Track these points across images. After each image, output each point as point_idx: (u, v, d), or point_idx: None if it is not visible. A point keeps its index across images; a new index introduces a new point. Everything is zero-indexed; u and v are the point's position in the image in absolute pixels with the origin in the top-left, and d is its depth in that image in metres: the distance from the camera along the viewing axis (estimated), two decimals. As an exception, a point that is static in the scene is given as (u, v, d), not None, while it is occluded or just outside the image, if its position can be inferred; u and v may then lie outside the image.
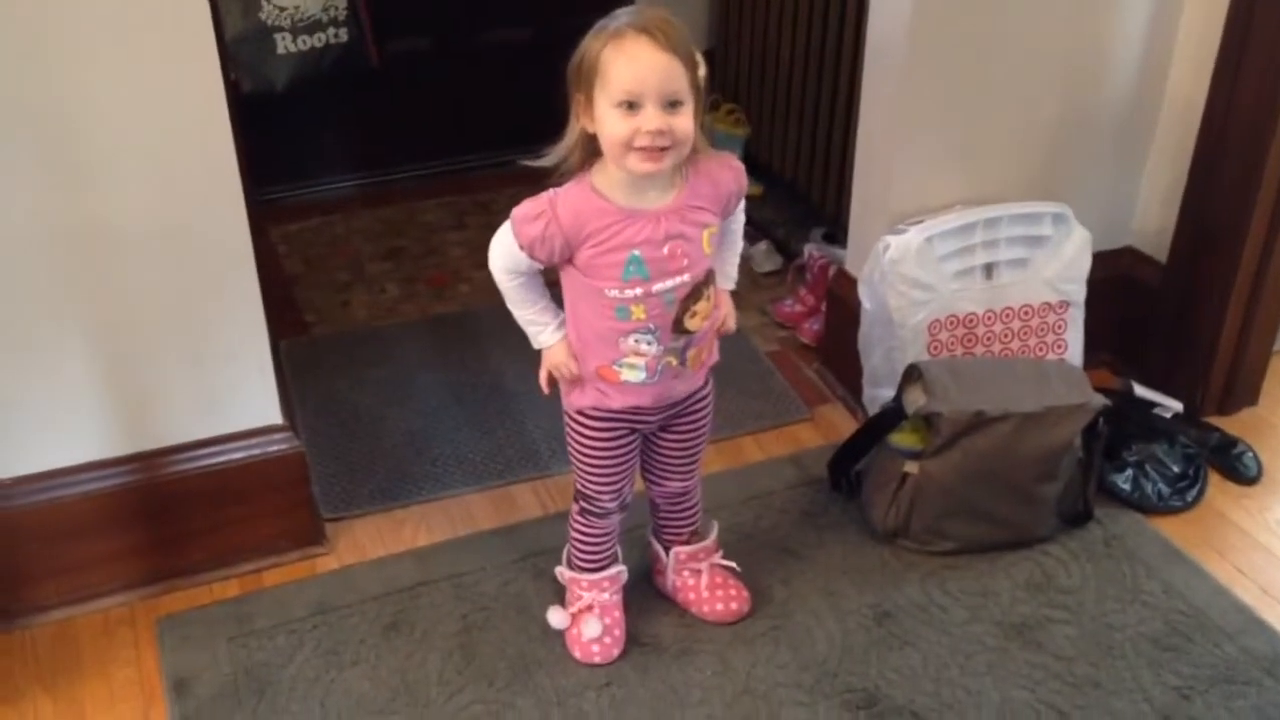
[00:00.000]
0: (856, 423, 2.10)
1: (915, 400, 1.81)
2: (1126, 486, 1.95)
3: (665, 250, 1.43)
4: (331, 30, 2.79)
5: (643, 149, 1.35)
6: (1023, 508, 1.84)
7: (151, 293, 1.64)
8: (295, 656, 1.68)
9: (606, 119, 1.36)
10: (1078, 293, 2.06)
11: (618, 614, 1.70)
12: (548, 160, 1.44)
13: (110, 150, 1.54)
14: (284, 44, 2.76)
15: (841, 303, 2.20)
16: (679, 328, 1.49)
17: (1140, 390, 2.12)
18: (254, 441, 1.79)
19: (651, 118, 1.34)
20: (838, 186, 2.56)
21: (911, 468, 1.82)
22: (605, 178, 1.43)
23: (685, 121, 1.36)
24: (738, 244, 1.61)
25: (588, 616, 1.68)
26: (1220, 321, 2.09)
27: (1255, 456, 2.05)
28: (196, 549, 1.80)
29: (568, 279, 1.49)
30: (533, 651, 1.69)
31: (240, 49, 2.70)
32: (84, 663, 1.69)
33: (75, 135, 1.52)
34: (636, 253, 1.43)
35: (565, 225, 1.42)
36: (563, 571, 1.72)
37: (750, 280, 2.60)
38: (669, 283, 1.45)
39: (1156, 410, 2.07)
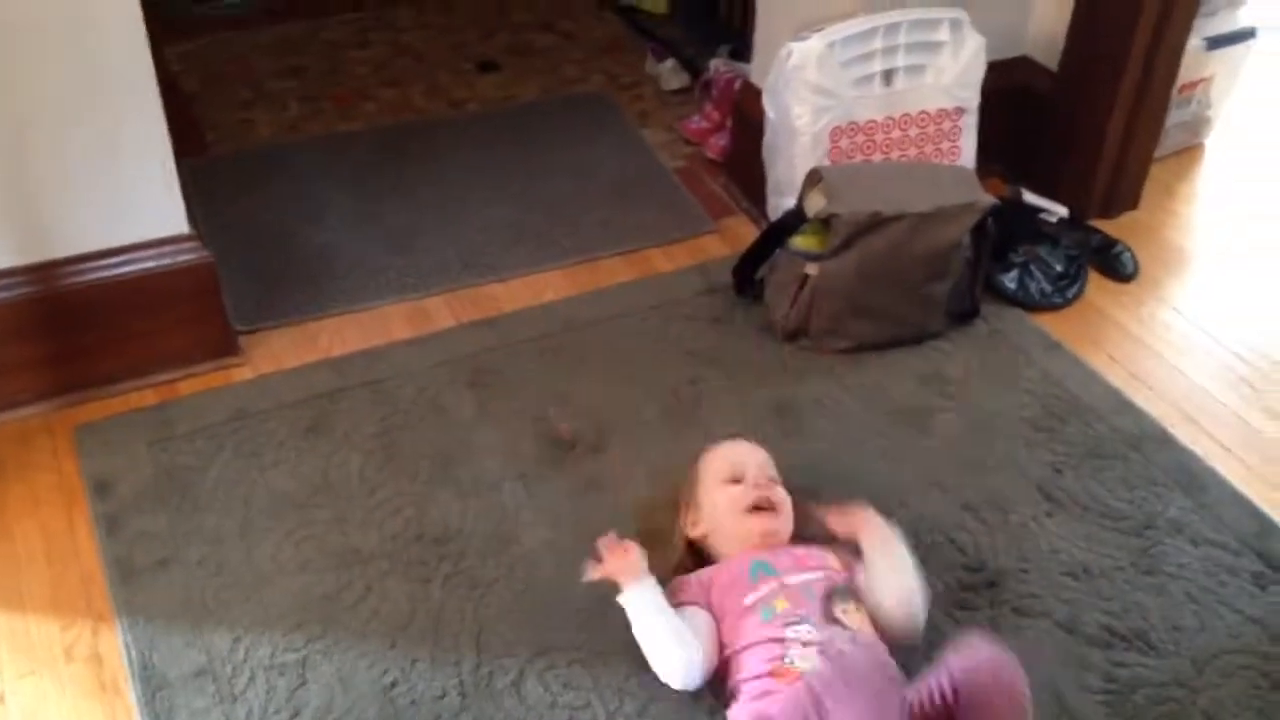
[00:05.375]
0: (760, 232, 2.15)
1: (816, 204, 1.87)
2: (1012, 285, 2.05)
3: (786, 556, 1.43)
4: None
5: (756, 507, 1.46)
6: (915, 305, 1.93)
7: (49, 93, 1.60)
8: (216, 459, 1.71)
9: (716, 498, 1.48)
10: (972, 99, 2.12)
11: None
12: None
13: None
14: None
15: (746, 117, 2.23)
16: (830, 618, 1.35)
17: (1029, 196, 2.21)
18: (163, 250, 1.78)
19: (755, 482, 1.48)
20: (744, 3, 2.56)
21: (811, 269, 1.88)
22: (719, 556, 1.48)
23: (784, 493, 1.50)
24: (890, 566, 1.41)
25: None
26: (1105, 128, 2.17)
27: (1133, 256, 2.17)
28: (109, 359, 1.81)
29: None
30: (451, 449, 1.75)
31: None
32: (4, 468, 1.71)
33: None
34: (756, 559, 1.42)
35: (706, 582, 1.44)
36: None
37: (658, 98, 2.60)
38: (803, 576, 1.40)
39: (1043, 214, 2.17)
